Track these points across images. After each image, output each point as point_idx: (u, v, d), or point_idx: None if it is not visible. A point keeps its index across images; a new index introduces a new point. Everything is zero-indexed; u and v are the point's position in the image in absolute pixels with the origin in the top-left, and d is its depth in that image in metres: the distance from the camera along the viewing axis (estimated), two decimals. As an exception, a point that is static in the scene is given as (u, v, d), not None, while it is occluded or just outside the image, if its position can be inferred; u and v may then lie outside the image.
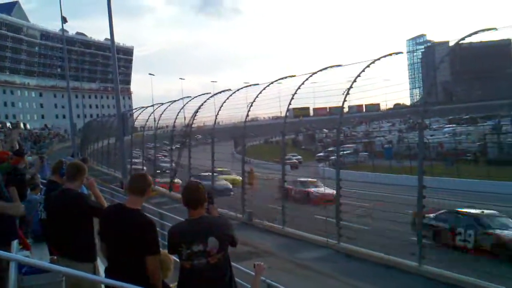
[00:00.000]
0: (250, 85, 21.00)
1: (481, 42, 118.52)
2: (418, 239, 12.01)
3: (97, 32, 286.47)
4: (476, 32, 12.28)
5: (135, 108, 43.82)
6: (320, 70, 16.60)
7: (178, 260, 4.33)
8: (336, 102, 15.95)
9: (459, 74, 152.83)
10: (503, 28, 12.73)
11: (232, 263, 4.39)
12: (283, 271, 11.68)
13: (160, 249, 4.66)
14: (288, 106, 17.67)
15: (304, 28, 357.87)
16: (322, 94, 17.65)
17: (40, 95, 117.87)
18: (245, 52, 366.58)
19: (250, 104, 19.64)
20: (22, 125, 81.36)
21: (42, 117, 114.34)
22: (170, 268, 4.78)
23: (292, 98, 17.05)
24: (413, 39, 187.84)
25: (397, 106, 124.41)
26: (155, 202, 18.84)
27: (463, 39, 12.56)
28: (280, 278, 8.80)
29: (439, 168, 31.00)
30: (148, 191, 4.72)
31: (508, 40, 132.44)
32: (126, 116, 26.29)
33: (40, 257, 6.83)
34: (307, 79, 16.69)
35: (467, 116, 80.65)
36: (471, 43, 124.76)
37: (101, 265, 6.02)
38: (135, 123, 36.46)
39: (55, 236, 5.50)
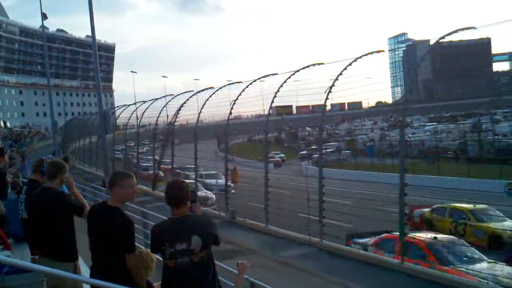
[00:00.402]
0: (232, 83, 20.97)
1: (461, 40, 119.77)
2: (400, 236, 12.12)
3: (78, 29, 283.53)
4: (456, 31, 12.38)
5: (117, 106, 43.51)
6: (303, 68, 16.62)
7: (161, 259, 4.33)
8: (318, 100, 16.02)
9: (440, 72, 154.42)
10: (482, 27, 12.90)
11: (216, 262, 4.40)
12: (266, 269, 11.71)
13: (143, 248, 4.64)
14: (271, 104, 17.67)
15: (286, 25, 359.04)
16: (305, 92, 17.66)
17: (20, 92, 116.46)
18: (228, 50, 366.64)
19: (233, 102, 19.59)
20: (2, 123, 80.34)
21: (23, 115, 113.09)
22: (152, 267, 4.78)
23: (275, 96, 17.04)
24: (395, 37, 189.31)
25: (379, 104, 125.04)
26: (138, 200, 18.72)
27: (443, 37, 12.67)
28: (263, 276, 8.82)
29: (420, 166, 31.33)
30: None
31: (488, 39, 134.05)
32: (108, 114, 25.95)
33: (21, 257, 6.76)
34: (289, 77, 16.68)
35: (447, 114, 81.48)
36: (451, 41, 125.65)
37: (83, 264, 5.99)
38: (117, 121, 36.19)
39: (35, 235, 5.46)
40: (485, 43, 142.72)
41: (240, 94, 19.01)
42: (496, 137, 41.19)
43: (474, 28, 12.47)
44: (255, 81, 18.91)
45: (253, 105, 20.79)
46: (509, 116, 58.76)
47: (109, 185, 4.68)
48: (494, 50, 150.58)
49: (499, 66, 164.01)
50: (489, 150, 38.94)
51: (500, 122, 49.86)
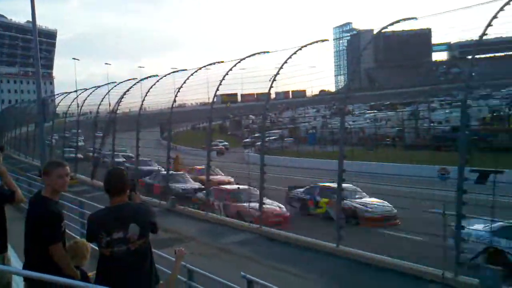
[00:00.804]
0: (177, 71, 20.99)
1: (403, 31, 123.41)
2: (336, 221, 12.54)
3: (18, 14, 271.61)
4: (397, 21, 12.86)
5: (57, 94, 42.34)
6: (248, 56, 16.81)
7: (96, 248, 4.33)
8: (263, 88, 16.19)
9: (382, 61, 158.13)
10: (423, 17, 13.50)
11: (154, 250, 4.43)
12: (205, 256, 11.81)
13: (79, 238, 4.61)
14: (216, 92, 17.80)
15: (233, 13, 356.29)
16: (250, 80, 17.90)
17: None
18: (175, 37, 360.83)
19: (177, 90, 19.61)
20: None
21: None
22: (86, 256, 4.76)
23: (220, 84, 17.16)
24: (340, 27, 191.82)
25: (323, 92, 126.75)
26: (76, 190, 18.38)
27: (385, 27, 13.14)
28: (202, 263, 8.89)
29: (360, 153, 32.18)
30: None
31: (428, 29, 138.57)
32: (46, 102, 25.26)
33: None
34: (235, 65, 16.84)
35: (387, 103, 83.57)
36: (393, 31, 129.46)
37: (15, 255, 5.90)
38: (57, 109, 35.30)
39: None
40: (426, 33, 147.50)
41: (184, 82, 19.05)
42: (432, 124, 42.60)
43: (415, 18, 13.03)
44: (200, 69, 19.01)
45: (198, 93, 20.91)
46: (445, 104, 60.99)
47: (42, 175, 4.62)
48: (434, 40, 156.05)
49: (438, 56, 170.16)
50: (425, 136, 40.33)
51: (436, 110, 51.66)
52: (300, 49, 14.77)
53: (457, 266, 9.93)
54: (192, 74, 18.98)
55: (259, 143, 25.48)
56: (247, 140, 52.85)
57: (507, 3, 10.12)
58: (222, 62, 18.29)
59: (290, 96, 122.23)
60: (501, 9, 10.16)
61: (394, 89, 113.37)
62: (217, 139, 50.16)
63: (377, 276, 10.68)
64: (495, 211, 9.78)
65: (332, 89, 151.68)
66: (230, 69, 16.92)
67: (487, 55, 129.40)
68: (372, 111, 67.56)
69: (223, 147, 50.47)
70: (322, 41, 15.19)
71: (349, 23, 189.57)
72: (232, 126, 73.35)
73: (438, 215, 10.30)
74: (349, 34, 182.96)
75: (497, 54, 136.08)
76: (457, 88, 70.93)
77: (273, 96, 17.41)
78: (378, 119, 52.96)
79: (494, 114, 38.83)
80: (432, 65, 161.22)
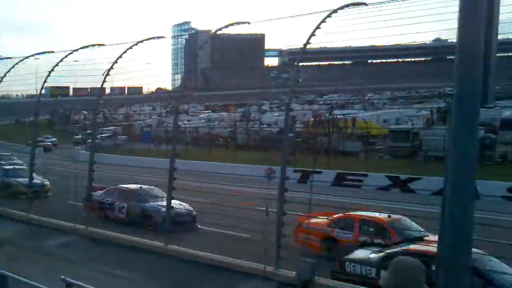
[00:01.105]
0: (1, 58, 19.66)
1: (239, 34, 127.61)
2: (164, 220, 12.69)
3: None
4: (232, 24, 13.43)
5: None
6: (81, 48, 16.43)
7: None
8: (98, 82, 15.93)
9: (218, 62, 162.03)
10: (257, 22, 14.25)
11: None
12: (24, 261, 11.17)
13: None
14: (43, 84, 17.11)
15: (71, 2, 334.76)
16: (84, 74, 17.37)
17: None
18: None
19: (0, 79, 18.28)
20: None
21: None
22: None
23: (48, 76, 16.58)
24: (179, 25, 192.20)
25: (159, 90, 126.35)
26: None
27: (220, 29, 13.68)
28: (19, 268, 8.38)
29: (194, 152, 32.78)
30: None
31: (262, 35, 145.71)
32: None
33: None
34: (66, 56, 16.34)
35: (221, 103, 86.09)
36: (230, 34, 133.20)
37: None
38: None
39: None
40: (260, 39, 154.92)
41: (8, 71, 17.93)
42: (261, 126, 44.94)
43: (249, 23, 13.70)
44: (27, 57, 18.18)
45: (26, 84, 19.88)
46: (274, 107, 64.78)
47: None
48: (266, 46, 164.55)
49: (270, 61, 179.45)
50: (255, 138, 42.39)
51: (266, 113, 54.56)
52: (136, 44, 14.71)
53: (278, 260, 10.62)
54: (17, 63, 17.90)
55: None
56: (78, 136, 50.75)
57: (328, 16, 11.06)
58: (53, 52, 17.55)
59: (126, 92, 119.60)
60: (323, 21, 11.05)
61: (229, 91, 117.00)
62: (44, 135, 47.64)
63: (203, 273, 11.02)
64: (311, 207, 10.69)
65: (169, 87, 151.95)
66: (61, 60, 16.36)
67: (314, 63, 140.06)
68: (207, 111, 69.04)
69: (50, 143, 47.95)
70: (159, 37, 15.35)
71: (188, 22, 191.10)
72: (61, 121, 69.83)
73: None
74: (187, 33, 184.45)
75: (321, 63, 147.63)
76: (284, 92, 75.53)
77: (108, 91, 17.17)
78: (212, 119, 54.39)
79: (316, 118, 42.09)
80: (264, 69, 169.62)
